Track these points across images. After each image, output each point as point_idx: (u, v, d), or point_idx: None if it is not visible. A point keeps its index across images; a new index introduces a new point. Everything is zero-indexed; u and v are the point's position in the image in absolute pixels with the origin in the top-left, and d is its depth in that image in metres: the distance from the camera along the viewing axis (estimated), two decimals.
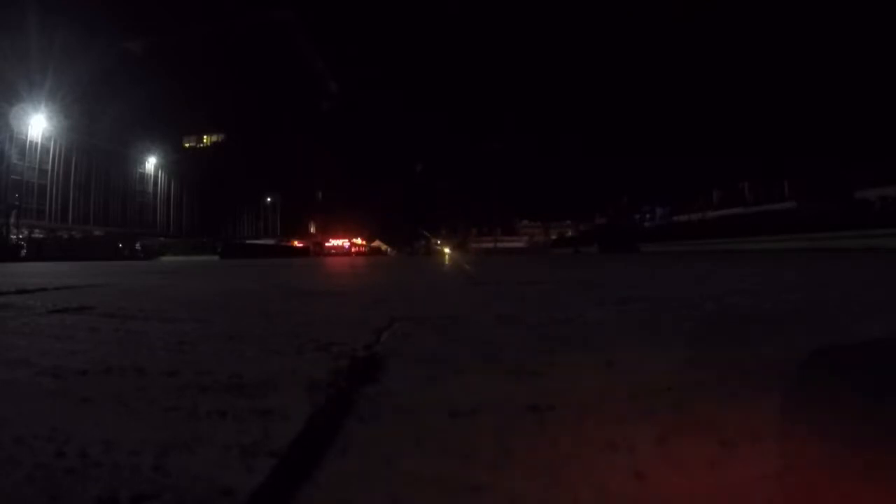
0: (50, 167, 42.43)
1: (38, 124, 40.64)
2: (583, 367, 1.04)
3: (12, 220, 30.39)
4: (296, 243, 52.78)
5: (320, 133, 59.04)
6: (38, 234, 34.04)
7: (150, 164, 55.11)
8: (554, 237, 52.61)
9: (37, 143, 40.99)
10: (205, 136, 61.69)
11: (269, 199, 62.80)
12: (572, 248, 33.39)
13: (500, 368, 1.03)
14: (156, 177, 56.15)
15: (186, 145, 61.11)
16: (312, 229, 62.18)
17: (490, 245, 49.84)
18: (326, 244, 59.61)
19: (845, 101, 29.54)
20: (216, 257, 25.32)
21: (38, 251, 24.89)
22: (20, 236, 30.65)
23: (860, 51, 29.41)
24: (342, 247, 59.42)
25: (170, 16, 53.10)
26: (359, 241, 63.03)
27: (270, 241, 48.74)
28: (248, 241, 46.98)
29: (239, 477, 0.54)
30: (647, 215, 45.22)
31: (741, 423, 0.70)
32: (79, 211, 45.06)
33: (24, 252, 24.31)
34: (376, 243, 64.10)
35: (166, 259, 24.83)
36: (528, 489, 0.53)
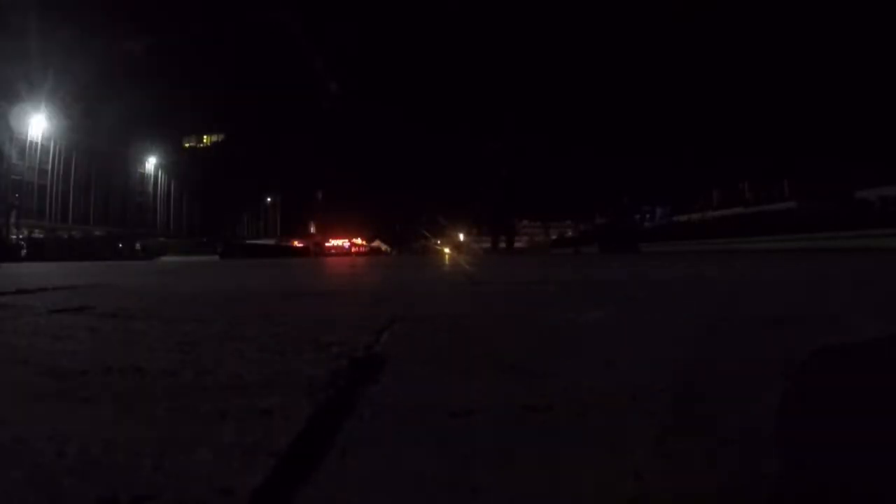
0: (50, 167, 42.34)
1: (38, 124, 40.59)
2: (582, 367, 1.04)
3: (12, 220, 30.39)
4: (296, 243, 52.77)
5: (320, 133, 59.01)
6: (38, 234, 34.01)
7: (150, 164, 55.00)
8: (554, 237, 52.45)
9: (37, 143, 40.91)
10: (205, 136, 61.64)
11: (269, 199, 62.78)
12: (572, 248, 33.33)
13: (500, 368, 1.03)
14: (156, 177, 56.06)
15: (186, 145, 61.03)
16: (312, 229, 62.12)
17: (490, 245, 49.67)
18: (326, 244, 59.58)
19: (845, 101, 29.53)
20: (216, 257, 25.33)
21: (39, 251, 24.87)
22: (20, 236, 30.64)
23: (860, 51, 29.41)
24: (342, 247, 59.40)
25: (170, 16, 53.07)
26: (359, 241, 63.01)
27: (270, 241, 48.74)
28: (247, 241, 47.00)
29: (239, 477, 0.54)
30: (647, 215, 45.11)
31: (742, 423, 0.70)
32: (79, 211, 44.98)
33: (24, 252, 24.30)
34: (376, 243, 64.05)
35: (166, 259, 24.82)
36: (527, 489, 0.53)
